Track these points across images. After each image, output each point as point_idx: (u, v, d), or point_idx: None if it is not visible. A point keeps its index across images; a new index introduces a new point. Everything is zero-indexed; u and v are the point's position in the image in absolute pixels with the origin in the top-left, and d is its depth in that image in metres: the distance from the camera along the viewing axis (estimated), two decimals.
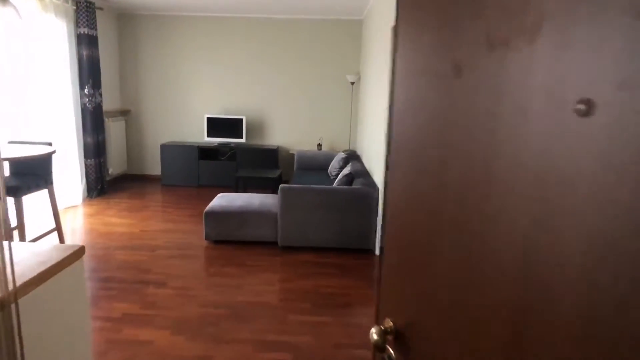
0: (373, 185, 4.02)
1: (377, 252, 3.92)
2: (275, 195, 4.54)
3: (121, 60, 6.55)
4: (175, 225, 4.61)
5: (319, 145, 6.44)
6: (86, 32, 5.31)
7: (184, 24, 6.42)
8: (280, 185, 3.88)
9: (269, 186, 5.19)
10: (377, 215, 3.90)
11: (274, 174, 5.32)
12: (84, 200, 5.52)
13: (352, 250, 4.01)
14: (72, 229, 4.40)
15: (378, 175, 4.15)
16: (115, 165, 6.36)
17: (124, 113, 6.67)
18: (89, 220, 4.69)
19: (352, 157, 5.73)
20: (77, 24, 5.28)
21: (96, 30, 5.51)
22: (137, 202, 5.47)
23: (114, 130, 6.29)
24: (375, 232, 3.92)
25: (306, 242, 3.93)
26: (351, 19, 6.32)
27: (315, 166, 6.08)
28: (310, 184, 4.93)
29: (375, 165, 4.35)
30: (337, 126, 6.64)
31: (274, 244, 4.09)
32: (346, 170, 4.37)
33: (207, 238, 4.05)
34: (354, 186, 3.92)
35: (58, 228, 3.57)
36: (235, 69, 6.51)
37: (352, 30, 6.35)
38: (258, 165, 6.32)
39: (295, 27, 6.37)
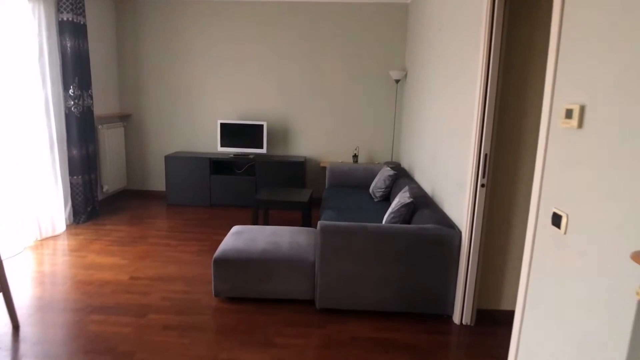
0: (448, 222, 2.85)
1: (459, 319, 2.75)
2: (309, 229, 3.40)
3: (120, 55, 5.51)
4: (179, 268, 3.52)
5: (355, 157, 5.29)
6: (70, 19, 4.26)
7: (195, 10, 5.33)
8: (320, 222, 2.75)
9: (296, 207, 4.08)
10: (457, 267, 2.73)
11: (303, 196, 4.19)
12: (68, 227, 4.47)
13: (420, 316, 2.85)
14: (39, 274, 3.34)
15: (451, 205, 2.97)
16: (111, 181, 5.31)
17: (123, 118, 5.63)
18: (66, 260, 3.62)
19: (400, 172, 4.55)
20: (59, 9, 4.23)
21: (84, 16, 4.45)
22: (133, 231, 4.40)
23: (110, 139, 5.24)
24: (455, 291, 2.75)
25: (356, 303, 2.79)
26: (395, 2, 5.15)
27: (351, 182, 4.93)
28: (350, 210, 3.79)
29: (445, 188, 3.18)
30: (377, 133, 5.47)
31: (310, 303, 2.96)
32: (404, 197, 3.21)
33: (217, 295, 2.94)
34: (425, 226, 2.75)
35: (3, 289, 2.49)
36: (254, 65, 5.40)
37: (396, 17, 5.17)
38: (282, 180, 5.20)
39: (326, 13, 5.22)
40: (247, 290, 2.91)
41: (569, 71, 1.55)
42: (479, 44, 2.58)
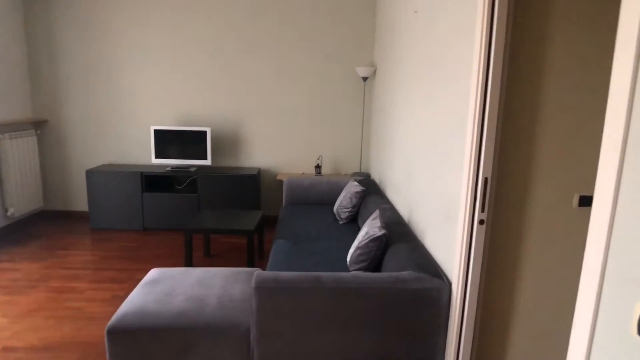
0: (432, 266, 2.10)
1: None
2: (250, 272, 2.58)
3: (30, 49, 4.52)
4: (76, 329, 2.63)
5: (318, 167, 4.50)
6: None
7: None
8: (255, 275, 1.94)
9: (240, 235, 3.25)
10: (445, 332, 1.98)
11: (250, 221, 3.36)
12: None
13: None
14: None
15: (436, 239, 2.22)
16: (20, 202, 4.33)
17: (36, 125, 4.64)
18: None
19: (369, 187, 3.79)
20: None
21: None
22: (34, 270, 3.46)
23: (16, 150, 4.26)
24: None
25: None
26: None
27: (314, 199, 4.13)
28: (309, 239, 3.01)
29: (427, 216, 2.43)
30: (343, 140, 4.69)
31: None
32: (374, 228, 2.44)
33: None
34: (402, 275, 1.98)
35: None
36: (196, 61, 4.52)
37: (363, 8, 4.42)
38: (230, 198, 4.35)
39: (283, 4, 4.41)
40: None
41: None
42: (473, 28, 1.84)
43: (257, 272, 1.98)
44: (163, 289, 2.31)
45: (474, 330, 1.95)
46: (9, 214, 4.23)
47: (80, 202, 4.79)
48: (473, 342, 1.96)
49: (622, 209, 0.97)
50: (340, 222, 3.54)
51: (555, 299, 1.95)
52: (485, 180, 1.81)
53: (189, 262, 3.27)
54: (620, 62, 0.96)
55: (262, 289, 1.90)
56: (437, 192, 2.27)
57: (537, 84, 1.82)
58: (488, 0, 1.68)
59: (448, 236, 2.08)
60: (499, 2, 1.67)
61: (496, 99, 1.74)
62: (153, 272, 2.55)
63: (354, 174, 4.47)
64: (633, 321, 0.91)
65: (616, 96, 0.97)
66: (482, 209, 1.83)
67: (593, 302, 1.06)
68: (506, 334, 2.02)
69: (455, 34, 2.05)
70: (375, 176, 4.24)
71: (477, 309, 1.92)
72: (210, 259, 3.75)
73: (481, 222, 1.84)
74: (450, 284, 1.98)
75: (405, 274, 2.01)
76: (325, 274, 1.97)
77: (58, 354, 2.37)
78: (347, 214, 3.51)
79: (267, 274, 1.96)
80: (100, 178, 4.33)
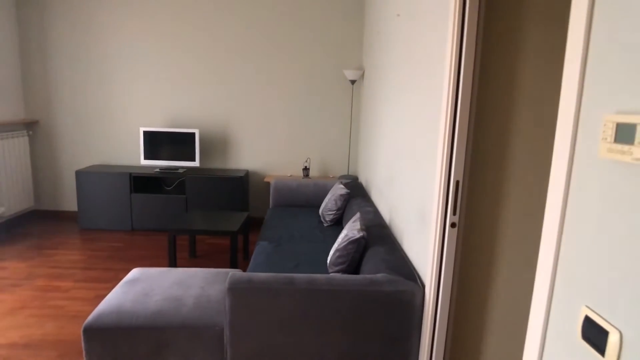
0: (408, 269, 2.12)
1: None
2: (229, 273, 2.59)
3: (23, 49, 4.54)
4: (58, 326, 2.64)
5: (306, 170, 4.52)
6: None
7: None
8: (229, 276, 1.96)
9: (224, 236, 3.27)
10: (419, 334, 2.00)
11: (234, 222, 3.38)
12: None
13: None
14: None
15: (412, 242, 2.25)
16: (10, 201, 4.34)
17: (28, 125, 4.66)
18: None
19: (355, 190, 3.81)
20: None
21: None
22: (21, 269, 3.47)
23: (7, 150, 4.27)
24: None
25: None
26: None
27: (300, 201, 4.15)
28: (293, 240, 3.04)
29: (405, 218, 2.45)
30: (331, 142, 4.71)
31: None
32: (354, 230, 2.46)
33: None
34: (376, 277, 2.00)
35: None
36: (185, 63, 4.55)
37: (351, 10, 4.45)
38: (218, 199, 4.37)
39: (271, 5, 4.44)
40: None
41: (610, 62, 0.83)
42: (446, 31, 1.86)
43: (231, 272, 2.00)
44: (142, 288, 2.33)
45: (447, 332, 1.96)
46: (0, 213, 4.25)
47: (70, 202, 4.80)
48: (446, 344, 1.98)
49: (569, 217, 0.99)
50: (325, 225, 3.56)
51: (528, 302, 1.97)
52: (457, 183, 1.83)
53: (172, 263, 3.28)
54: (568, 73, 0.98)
55: (235, 290, 1.92)
56: (413, 195, 2.30)
57: (510, 85, 1.85)
58: (459, 5, 1.71)
59: (422, 239, 2.10)
60: (470, 4, 1.69)
61: (467, 101, 1.76)
62: (134, 272, 2.56)
63: (342, 177, 4.49)
64: (578, 326, 0.93)
65: (564, 111, 1.00)
66: (454, 212, 1.85)
67: (544, 306, 1.08)
68: (479, 337, 2.03)
69: (429, 37, 2.08)
70: (362, 179, 4.26)
71: (449, 312, 1.94)
72: (196, 260, 3.76)
73: (453, 225, 1.86)
74: (424, 286, 2.00)
75: (379, 276, 2.02)
76: (299, 276, 1.99)
77: (38, 352, 2.39)
78: (332, 216, 3.53)
79: (241, 274, 1.97)
80: (90, 178, 4.34)
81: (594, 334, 0.83)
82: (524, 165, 1.87)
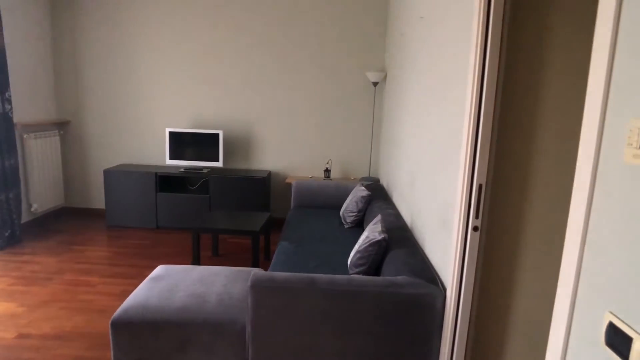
0: (429, 272, 2.12)
1: None
2: (251, 272, 2.64)
3: (56, 52, 4.72)
4: (86, 319, 2.74)
5: (327, 171, 4.55)
6: None
7: (144, 0, 4.57)
8: (252, 274, 2.00)
9: (246, 236, 3.34)
10: (439, 338, 2.00)
11: (256, 222, 3.44)
12: None
13: None
14: None
15: (434, 246, 2.24)
16: (42, 198, 4.51)
17: (60, 126, 4.84)
18: None
19: (376, 192, 3.82)
20: None
21: None
22: (52, 263, 3.60)
23: (40, 150, 4.45)
24: None
25: None
26: None
27: (321, 202, 4.18)
28: (313, 241, 3.07)
29: (427, 222, 2.44)
30: (352, 144, 4.73)
31: None
32: (375, 232, 2.47)
33: None
34: (397, 279, 2.01)
35: None
36: (210, 65, 4.64)
37: (375, 7, 4.46)
38: (240, 199, 4.44)
39: (295, 4, 4.49)
40: None
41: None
42: (470, 33, 1.86)
43: (254, 271, 2.04)
44: (166, 284, 2.39)
45: (468, 337, 1.95)
46: (32, 209, 4.42)
47: (98, 200, 4.96)
48: (466, 349, 1.97)
49: (593, 223, 0.99)
50: (346, 226, 3.57)
51: (550, 306, 1.94)
52: (480, 186, 1.83)
53: (196, 261, 3.36)
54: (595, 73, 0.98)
55: (258, 288, 1.96)
56: (435, 198, 2.29)
57: (535, 87, 1.83)
58: (483, 6, 1.71)
59: (444, 242, 2.09)
60: (494, 6, 1.69)
61: (491, 103, 1.76)
62: (159, 269, 2.64)
63: (363, 179, 4.50)
64: (602, 332, 0.93)
65: (589, 119, 0.99)
66: (477, 216, 1.85)
67: (567, 312, 1.08)
68: (502, 342, 2.02)
69: (454, 39, 2.08)
70: (384, 181, 4.26)
71: (470, 316, 1.93)
72: (218, 258, 3.83)
73: (475, 228, 1.85)
74: (445, 289, 2.00)
75: (400, 278, 2.03)
76: (319, 276, 2.01)
77: (68, 343, 2.48)
78: (352, 218, 3.55)
79: (264, 273, 2.01)
80: (117, 177, 4.48)
81: (618, 341, 0.83)
82: (548, 168, 1.85)
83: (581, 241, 1.02)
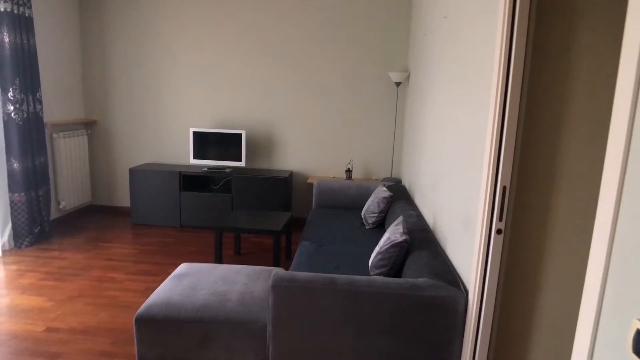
0: (451, 275, 2.09)
1: None
2: (272, 271, 2.66)
3: (85, 54, 4.86)
4: (112, 315, 2.81)
5: (349, 172, 4.54)
6: (10, 9, 3.62)
7: (170, 3, 4.66)
8: (273, 274, 2.01)
9: (267, 235, 3.36)
10: (461, 341, 1.97)
11: (277, 222, 3.46)
12: (5, 253, 3.81)
13: None
14: None
15: (457, 248, 2.21)
16: (70, 196, 4.65)
17: (87, 125, 4.98)
18: None
19: (398, 193, 3.79)
20: None
21: (29, 7, 3.81)
22: (79, 259, 3.71)
23: (68, 149, 4.59)
24: None
25: None
26: None
27: (342, 203, 4.18)
28: (334, 241, 3.06)
29: (449, 225, 2.41)
30: (374, 145, 4.71)
31: None
32: (396, 233, 2.45)
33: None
34: (418, 281, 1.99)
35: None
36: (233, 66, 4.70)
37: (398, 7, 4.43)
38: (262, 199, 4.47)
39: (317, 6, 4.50)
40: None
41: None
42: (494, 34, 1.83)
43: (275, 270, 2.06)
44: (189, 282, 2.43)
45: (490, 341, 1.92)
46: (60, 206, 4.56)
47: (123, 199, 5.08)
48: (489, 353, 1.94)
49: (621, 228, 0.96)
50: (367, 227, 3.56)
51: (575, 313, 1.89)
52: (504, 188, 1.79)
53: (218, 259, 3.40)
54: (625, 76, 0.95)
55: (279, 287, 1.97)
56: (458, 200, 2.26)
57: (561, 90, 1.78)
58: (509, 8, 1.68)
59: (467, 245, 2.06)
60: (520, 9, 1.65)
61: (516, 104, 1.72)
62: (182, 267, 2.68)
63: (385, 179, 4.47)
64: (629, 339, 0.90)
65: (617, 121, 0.97)
66: (500, 218, 1.81)
67: (593, 317, 1.05)
68: (524, 346, 1.97)
69: (478, 39, 2.04)
70: (406, 182, 4.23)
71: (493, 320, 1.90)
72: (240, 257, 3.87)
73: (499, 231, 1.82)
74: (467, 292, 1.97)
75: (421, 280, 2.01)
76: (340, 276, 2.01)
77: (93, 338, 2.55)
78: (374, 219, 3.53)
79: (285, 273, 2.02)
80: (142, 176, 4.58)
81: None
82: (575, 171, 1.80)
83: (608, 245, 0.99)
